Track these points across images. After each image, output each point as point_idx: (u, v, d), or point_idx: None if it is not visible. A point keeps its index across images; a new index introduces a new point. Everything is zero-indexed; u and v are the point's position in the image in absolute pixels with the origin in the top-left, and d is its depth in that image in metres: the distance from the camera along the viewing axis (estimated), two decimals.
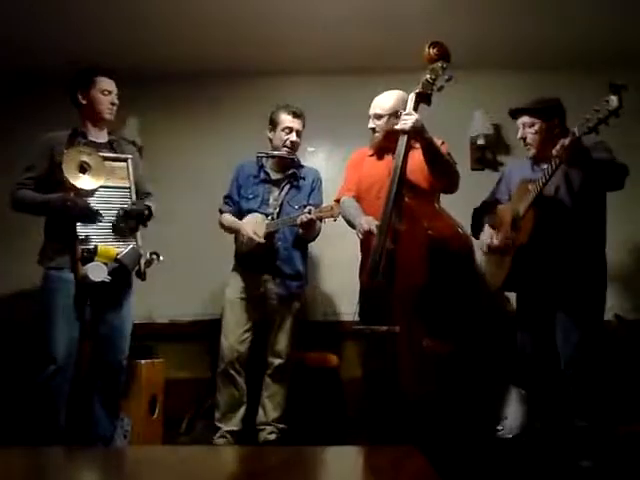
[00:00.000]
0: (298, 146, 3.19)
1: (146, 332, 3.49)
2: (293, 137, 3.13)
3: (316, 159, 3.93)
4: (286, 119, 3.12)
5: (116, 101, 2.77)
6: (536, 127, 2.69)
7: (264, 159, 3.21)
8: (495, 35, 3.55)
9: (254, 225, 3.04)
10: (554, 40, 3.55)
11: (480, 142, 3.82)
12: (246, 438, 3.05)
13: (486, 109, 3.80)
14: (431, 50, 2.53)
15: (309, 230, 2.99)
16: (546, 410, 2.71)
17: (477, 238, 2.85)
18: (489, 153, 3.87)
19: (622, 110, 2.15)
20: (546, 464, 2.62)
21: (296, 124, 3.13)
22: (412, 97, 2.58)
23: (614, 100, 2.13)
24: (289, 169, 3.18)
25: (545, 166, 2.64)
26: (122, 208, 2.67)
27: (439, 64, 2.51)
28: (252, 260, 3.08)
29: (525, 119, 2.71)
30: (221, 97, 3.98)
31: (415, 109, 2.57)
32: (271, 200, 3.14)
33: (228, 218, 3.19)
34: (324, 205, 2.95)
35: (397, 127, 2.59)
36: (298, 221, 2.90)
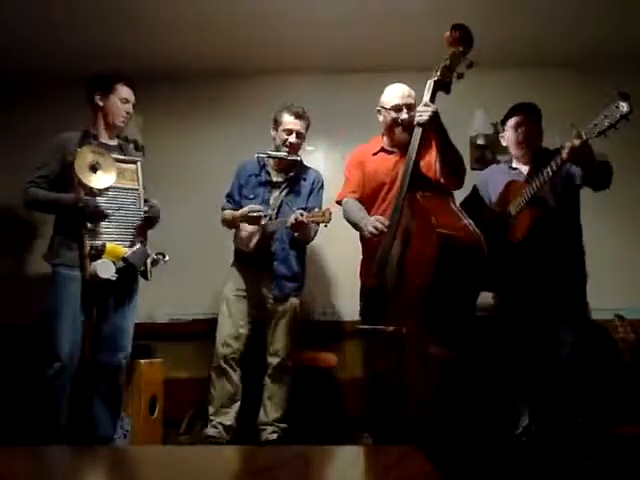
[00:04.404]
0: (299, 147, 3.17)
1: (146, 332, 3.49)
2: (292, 139, 3.11)
3: (315, 158, 3.93)
4: (287, 120, 3.12)
5: (131, 110, 2.83)
6: (536, 126, 2.75)
7: (266, 159, 3.20)
8: (495, 34, 3.53)
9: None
10: (554, 39, 3.55)
11: (480, 142, 3.82)
12: (247, 438, 3.05)
13: (486, 108, 3.80)
14: (453, 33, 2.33)
15: (300, 232, 2.99)
16: (545, 409, 2.71)
17: None
18: (489, 153, 3.85)
19: (632, 115, 2.16)
20: (546, 464, 2.62)
21: (297, 125, 3.12)
22: (430, 85, 2.39)
23: (624, 105, 2.15)
24: (291, 170, 3.18)
25: (521, 169, 2.74)
26: (145, 212, 2.76)
27: (459, 48, 2.32)
28: (250, 258, 3.10)
29: (526, 117, 2.73)
30: (221, 97, 3.98)
31: (432, 99, 2.38)
32: (271, 201, 3.15)
33: (229, 212, 3.19)
34: (316, 210, 2.91)
35: (416, 120, 2.42)
36: (288, 223, 2.89)
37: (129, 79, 2.82)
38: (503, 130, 2.84)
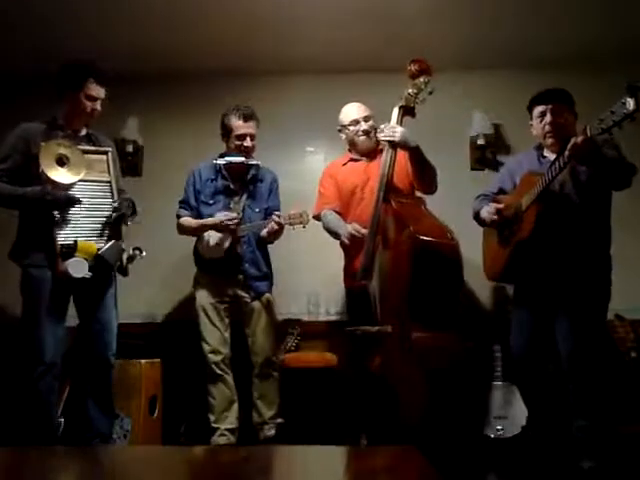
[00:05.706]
0: (254, 149, 3.12)
1: (146, 332, 3.50)
2: (247, 143, 3.06)
3: (315, 159, 3.93)
4: (238, 124, 3.04)
5: (98, 107, 2.67)
6: (564, 114, 2.60)
7: (222, 164, 3.13)
8: (495, 35, 3.54)
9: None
10: (554, 39, 3.55)
11: (480, 142, 3.81)
12: (246, 438, 3.06)
13: (486, 109, 3.80)
14: (412, 66, 2.62)
15: (277, 235, 3.02)
16: (542, 409, 2.67)
17: (480, 223, 2.79)
18: (489, 153, 3.86)
19: (638, 113, 2.04)
20: (546, 464, 2.62)
21: (250, 128, 3.06)
22: (396, 111, 2.64)
23: (631, 103, 2.02)
24: (248, 174, 3.15)
25: (551, 158, 2.56)
26: (115, 207, 2.60)
27: (421, 79, 2.60)
28: (218, 264, 3.07)
29: (552, 106, 2.59)
30: (221, 97, 3.97)
31: (400, 122, 2.62)
32: (232, 205, 3.12)
33: (191, 220, 3.12)
34: (293, 212, 2.92)
35: (383, 139, 2.65)
36: (268, 227, 2.92)
37: (101, 75, 2.67)
38: (530, 118, 2.71)
